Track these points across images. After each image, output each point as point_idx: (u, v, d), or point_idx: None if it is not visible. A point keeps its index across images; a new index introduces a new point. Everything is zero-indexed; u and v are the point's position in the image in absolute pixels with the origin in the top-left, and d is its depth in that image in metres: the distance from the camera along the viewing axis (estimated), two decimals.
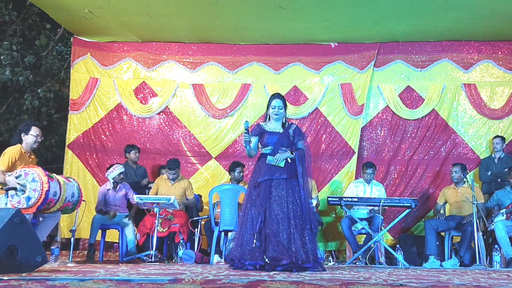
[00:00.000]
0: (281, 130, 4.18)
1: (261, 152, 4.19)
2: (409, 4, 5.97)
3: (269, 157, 4.06)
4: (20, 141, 4.85)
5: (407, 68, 7.11)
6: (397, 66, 7.12)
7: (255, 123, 4.86)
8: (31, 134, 4.83)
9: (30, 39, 8.41)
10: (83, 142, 7.18)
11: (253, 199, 4.05)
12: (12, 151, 4.73)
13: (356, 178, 6.73)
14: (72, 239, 5.41)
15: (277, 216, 3.91)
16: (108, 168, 6.02)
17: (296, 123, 4.51)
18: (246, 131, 4.02)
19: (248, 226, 3.97)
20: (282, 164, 4.03)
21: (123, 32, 7.05)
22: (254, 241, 3.88)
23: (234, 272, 3.64)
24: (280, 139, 4.13)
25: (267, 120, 4.27)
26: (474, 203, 5.46)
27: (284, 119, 4.24)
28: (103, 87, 7.31)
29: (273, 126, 4.20)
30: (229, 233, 5.55)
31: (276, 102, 4.17)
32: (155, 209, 5.61)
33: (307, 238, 3.91)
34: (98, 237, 5.91)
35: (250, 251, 3.89)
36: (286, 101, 4.30)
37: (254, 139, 4.17)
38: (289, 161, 4.07)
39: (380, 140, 7.08)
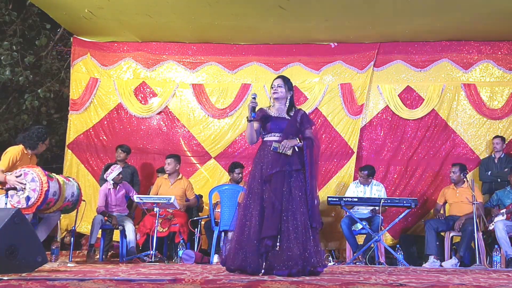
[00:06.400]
0: (287, 116, 3.82)
1: (264, 139, 3.81)
2: (409, 4, 5.97)
3: (274, 144, 3.65)
4: (32, 147, 4.83)
5: (407, 68, 7.09)
6: (397, 66, 7.11)
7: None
8: (45, 144, 4.91)
9: (30, 39, 8.40)
10: (83, 142, 7.17)
11: (261, 195, 3.61)
12: (13, 152, 4.72)
13: (355, 178, 6.73)
14: (72, 239, 5.41)
15: (292, 214, 3.52)
16: (106, 170, 5.99)
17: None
18: (253, 100, 3.70)
19: (254, 225, 3.54)
20: (289, 153, 3.63)
21: (123, 32, 7.05)
22: (278, 244, 3.48)
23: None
24: (289, 126, 3.75)
25: (272, 106, 3.91)
26: (474, 203, 5.46)
27: (288, 103, 3.85)
28: (103, 87, 7.31)
29: (278, 111, 3.83)
30: (229, 233, 5.53)
31: (275, 81, 3.85)
32: (155, 209, 5.61)
33: (314, 238, 3.54)
34: (98, 236, 5.89)
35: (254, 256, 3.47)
36: (292, 84, 3.93)
37: (256, 124, 3.78)
38: (296, 149, 3.69)
39: (380, 140, 7.06)
